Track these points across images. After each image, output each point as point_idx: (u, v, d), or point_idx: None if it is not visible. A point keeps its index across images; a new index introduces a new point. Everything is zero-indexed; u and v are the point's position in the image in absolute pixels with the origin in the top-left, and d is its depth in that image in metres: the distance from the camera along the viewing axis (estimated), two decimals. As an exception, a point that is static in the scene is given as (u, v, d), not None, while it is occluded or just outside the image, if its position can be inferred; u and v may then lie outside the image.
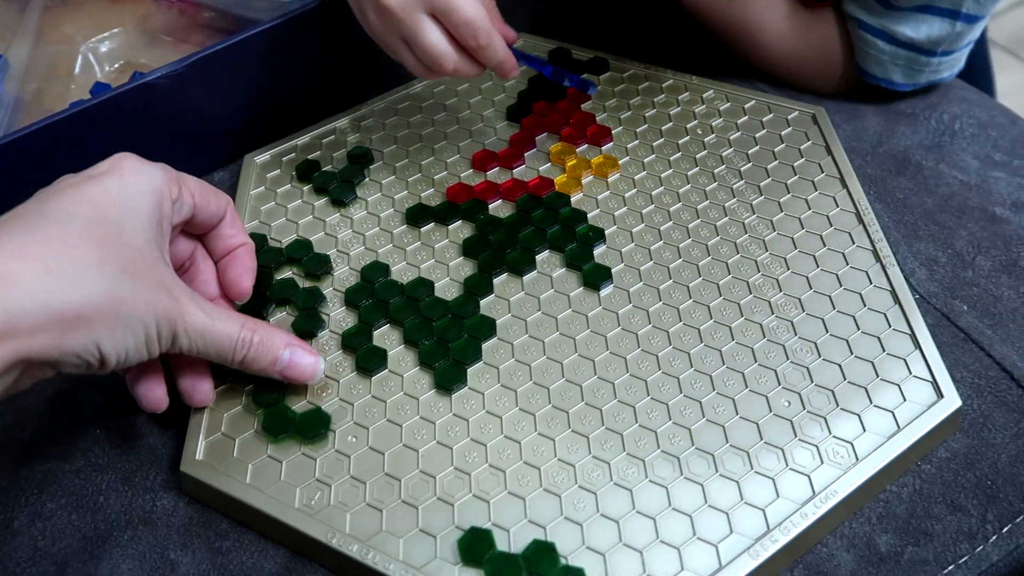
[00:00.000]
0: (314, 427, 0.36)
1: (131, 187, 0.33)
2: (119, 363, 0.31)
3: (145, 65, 0.55)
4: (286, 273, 0.44)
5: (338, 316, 0.41)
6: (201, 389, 0.37)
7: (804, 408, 0.37)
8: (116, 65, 0.56)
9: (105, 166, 0.34)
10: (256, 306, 0.42)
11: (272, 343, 0.36)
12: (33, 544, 0.35)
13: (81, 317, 0.29)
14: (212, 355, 0.35)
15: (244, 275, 0.39)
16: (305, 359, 0.37)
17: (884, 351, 0.38)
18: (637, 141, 0.49)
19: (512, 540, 0.33)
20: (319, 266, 0.43)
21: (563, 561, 0.32)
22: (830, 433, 0.36)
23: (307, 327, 0.41)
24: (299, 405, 0.38)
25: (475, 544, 0.33)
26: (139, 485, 0.37)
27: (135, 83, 0.44)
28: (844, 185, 0.46)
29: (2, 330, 0.27)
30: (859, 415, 0.36)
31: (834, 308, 0.40)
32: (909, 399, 0.37)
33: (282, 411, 0.37)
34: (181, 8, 0.55)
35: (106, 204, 0.32)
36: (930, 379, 0.37)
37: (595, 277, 0.42)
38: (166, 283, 0.33)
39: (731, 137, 0.49)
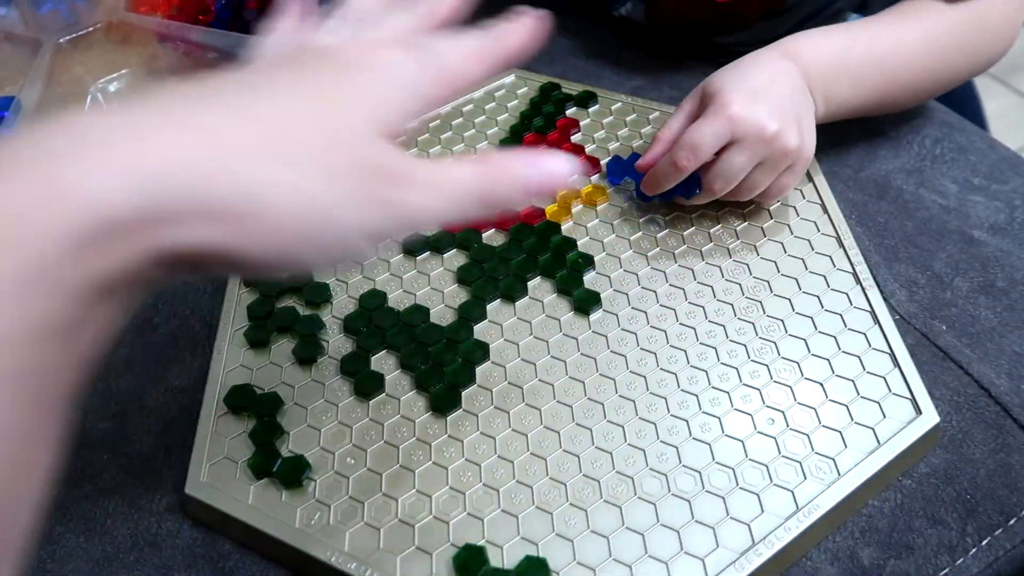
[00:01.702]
0: (294, 474, 0.37)
1: (379, 82, 0.25)
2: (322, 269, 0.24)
3: (152, 104, 0.57)
4: (287, 302, 0.45)
5: (337, 342, 0.43)
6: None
7: (787, 425, 0.38)
8: (124, 104, 0.58)
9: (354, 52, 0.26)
10: (257, 333, 0.43)
11: (510, 173, 0.27)
12: (42, 567, 0.37)
13: (268, 214, 0.21)
14: (455, 211, 0.26)
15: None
16: (557, 166, 0.27)
17: (864, 370, 0.40)
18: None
19: (505, 556, 0.34)
20: (319, 295, 0.45)
21: (555, 576, 0.33)
22: (813, 449, 0.37)
23: (307, 353, 0.42)
24: (285, 447, 0.38)
25: (470, 561, 0.34)
26: (145, 508, 0.38)
27: (143, 122, 0.46)
28: (825, 210, 0.48)
29: (158, 217, 0.20)
30: (840, 432, 0.37)
31: (816, 329, 0.42)
32: (889, 416, 0.38)
33: (270, 453, 0.38)
34: (186, 50, 0.57)
35: (335, 93, 0.25)
36: (909, 396, 0.39)
37: (585, 302, 0.43)
38: (393, 170, 0.24)
39: (716, 166, 0.51)
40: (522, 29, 0.30)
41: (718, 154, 0.43)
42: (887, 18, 0.50)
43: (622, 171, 0.49)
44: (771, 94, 0.44)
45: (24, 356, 0.18)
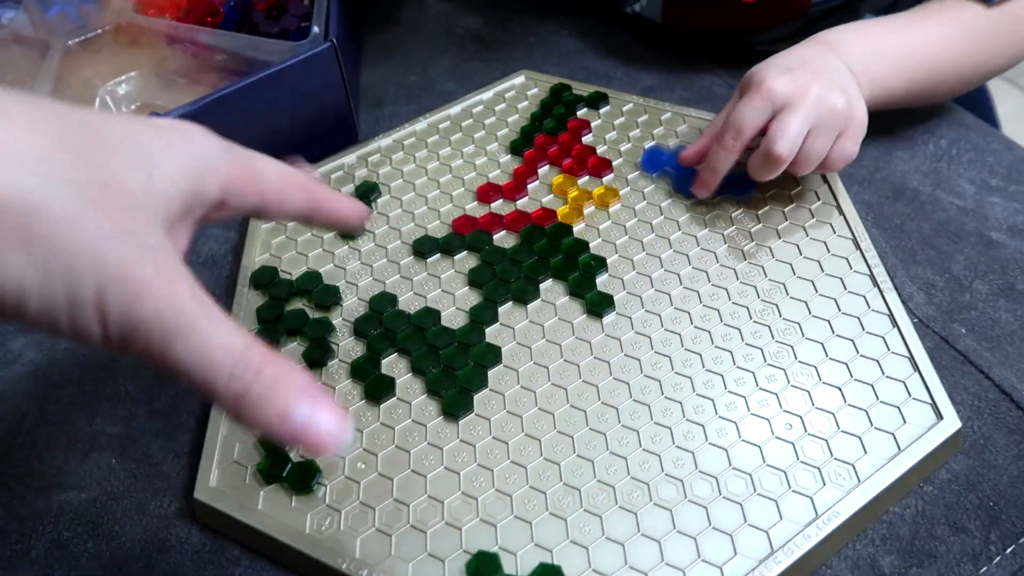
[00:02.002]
0: (304, 479, 0.36)
1: (189, 149, 0.25)
2: (32, 311, 0.21)
3: (161, 107, 0.57)
4: (297, 304, 0.45)
5: (347, 345, 0.42)
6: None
7: (805, 430, 0.37)
8: (133, 107, 0.57)
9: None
10: (268, 336, 0.43)
11: (286, 384, 0.24)
12: (50, 573, 0.36)
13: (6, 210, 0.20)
14: (193, 374, 0.23)
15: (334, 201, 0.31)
16: (328, 421, 0.24)
17: (883, 374, 0.39)
18: (637, 172, 0.51)
19: (519, 564, 0.34)
20: (329, 297, 0.44)
21: (569, 584, 0.33)
22: (832, 455, 0.36)
23: (317, 356, 0.42)
24: (295, 452, 0.37)
25: (482, 568, 0.33)
26: (153, 513, 0.38)
27: (151, 123, 0.46)
28: (841, 212, 0.47)
29: None
30: (860, 437, 0.37)
31: (833, 332, 0.41)
32: (909, 421, 0.37)
33: (280, 458, 0.37)
34: (195, 51, 0.57)
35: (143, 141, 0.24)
36: (929, 401, 0.38)
37: (598, 305, 0.43)
38: (150, 244, 0.22)
39: (729, 167, 0.50)
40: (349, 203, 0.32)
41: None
42: (921, 12, 0.50)
43: (662, 162, 0.49)
44: (807, 68, 0.44)
45: None
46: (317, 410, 0.24)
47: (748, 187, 0.47)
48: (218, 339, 0.23)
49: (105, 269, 0.21)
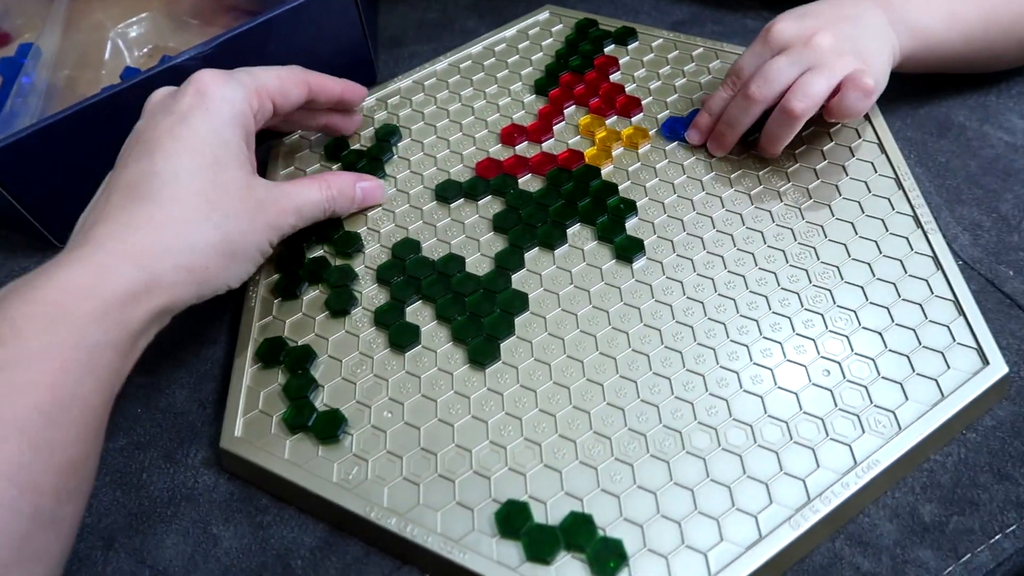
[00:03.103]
0: (330, 428, 0.36)
1: (217, 120, 0.36)
2: (242, 282, 0.37)
3: (173, 49, 0.55)
4: (317, 251, 0.44)
5: (370, 293, 0.42)
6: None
7: (844, 377, 0.36)
8: (145, 50, 0.56)
9: (189, 98, 0.36)
10: (288, 284, 0.42)
11: (347, 190, 0.42)
12: (79, 521, 0.36)
13: (208, 268, 0.34)
14: (307, 223, 0.40)
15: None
16: (375, 191, 0.45)
17: (926, 318, 0.37)
18: (667, 111, 0.48)
19: (549, 512, 0.33)
20: (350, 244, 0.43)
21: (601, 532, 0.32)
22: (871, 402, 0.35)
23: (340, 304, 0.41)
24: (320, 401, 0.38)
25: (512, 516, 0.33)
26: (181, 462, 0.38)
27: (164, 66, 0.44)
28: (883, 150, 0.45)
29: (151, 289, 0.32)
30: (901, 383, 0.35)
31: (874, 276, 0.39)
32: (953, 367, 0.36)
33: (305, 407, 0.37)
34: (207, -9, 0.55)
35: (200, 146, 0.35)
36: (975, 346, 0.36)
37: (627, 250, 0.41)
38: (262, 199, 0.37)
39: (764, 104, 0.48)
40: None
41: None
42: None
43: (682, 128, 0.47)
44: (826, 16, 0.42)
45: (100, 360, 0.30)
46: (366, 190, 0.44)
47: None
48: (310, 199, 0.40)
49: (266, 235, 0.38)
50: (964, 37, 0.45)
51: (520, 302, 0.40)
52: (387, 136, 0.49)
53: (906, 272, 0.39)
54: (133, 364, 0.33)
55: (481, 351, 0.38)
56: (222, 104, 0.37)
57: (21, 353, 0.28)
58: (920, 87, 0.50)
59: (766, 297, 0.39)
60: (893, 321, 0.38)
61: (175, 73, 0.45)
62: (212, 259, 0.35)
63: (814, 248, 0.41)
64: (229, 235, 0.35)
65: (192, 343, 0.42)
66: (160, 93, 0.38)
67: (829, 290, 0.39)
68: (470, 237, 0.43)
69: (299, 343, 0.40)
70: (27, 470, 0.27)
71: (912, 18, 0.44)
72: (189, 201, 0.34)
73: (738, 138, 0.44)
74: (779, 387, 0.36)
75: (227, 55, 0.46)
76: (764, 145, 0.43)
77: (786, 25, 0.42)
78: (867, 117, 0.46)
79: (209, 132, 0.36)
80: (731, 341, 0.37)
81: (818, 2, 0.44)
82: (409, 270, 0.42)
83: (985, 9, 0.45)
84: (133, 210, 0.34)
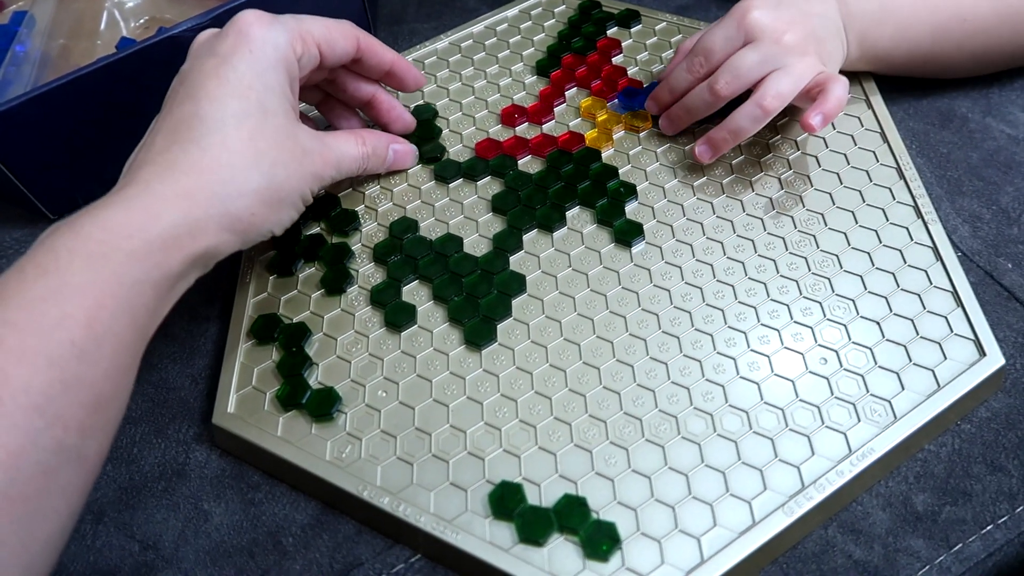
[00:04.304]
0: (324, 406, 0.36)
1: (261, 63, 0.35)
2: (284, 229, 0.37)
3: (170, 20, 0.54)
4: (314, 229, 0.43)
5: (367, 272, 0.41)
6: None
7: (841, 366, 0.36)
8: (141, 21, 0.55)
9: (232, 39, 0.36)
10: (284, 261, 0.42)
11: (380, 149, 0.43)
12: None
13: (254, 214, 0.34)
14: (343, 177, 0.40)
15: (396, 112, 0.45)
16: (406, 156, 0.45)
17: (924, 308, 0.37)
18: (670, 95, 0.48)
19: (543, 494, 0.33)
20: (347, 222, 0.43)
21: (594, 515, 0.32)
22: (867, 391, 0.35)
23: (336, 283, 0.40)
24: (314, 379, 0.37)
25: (506, 498, 0.33)
26: (172, 438, 0.38)
27: (160, 37, 0.44)
28: (885, 139, 0.44)
29: (194, 233, 0.32)
30: (898, 373, 0.35)
31: (873, 265, 0.39)
32: (950, 357, 0.36)
33: (299, 384, 0.37)
34: (205, -38, 0.54)
35: (245, 90, 0.35)
36: (972, 337, 0.36)
37: (627, 233, 0.41)
38: (307, 147, 0.37)
39: (767, 90, 0.48)
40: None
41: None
42: None
43: (639, 101, 0.46)
44: (798, 5, 0.42)
45: (138, 299, 0.30)
46: (398, 152, 0.44)
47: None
48: (349, 153, 0.40)
49: (308, 182, 0.37)
50: (909, 53, 0.46)
51: (517, 284, 0.40)
52: (386, 114, 0.48)
53: (905, 262, 0.39)
54: (169, 308, 0.32)
55: (477, 332, 0.38)
56: (265, 46, 0.36)
57: (62, 285, 0.28)
58: (923, 79, 0.50)
59: (765, 284, 0.39)
60: (891, 311, 0.37)
61: (172, 44, 0.44)
62: (257, 206, 0.34)
63: (814, 236, 0.40)
64: (275, 182, 0.35)
65: (185, 318, 0.42)
66: (205, 34, 0.38)
67: (828, 278, 0.39)
68: (468, 218, 0.43)
69: (294, 320, 0.39)
70: (55, 403, 0.27)
71: (858, 29, 0.44)
72: (236, 148, 0.34)
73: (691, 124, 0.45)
74: (776, 374, 0.36)
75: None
76: (726, 136, 0.42)
77: (762, 14, 0.42)
78: (869, 106, 0.46)
79: (254, 76, 0.35)
80: (729, 327, 0.37)
81: None
82: (406, 249, 0.42)
83: (935, 28, 0.45)
84: (178, 153, 0.33)
